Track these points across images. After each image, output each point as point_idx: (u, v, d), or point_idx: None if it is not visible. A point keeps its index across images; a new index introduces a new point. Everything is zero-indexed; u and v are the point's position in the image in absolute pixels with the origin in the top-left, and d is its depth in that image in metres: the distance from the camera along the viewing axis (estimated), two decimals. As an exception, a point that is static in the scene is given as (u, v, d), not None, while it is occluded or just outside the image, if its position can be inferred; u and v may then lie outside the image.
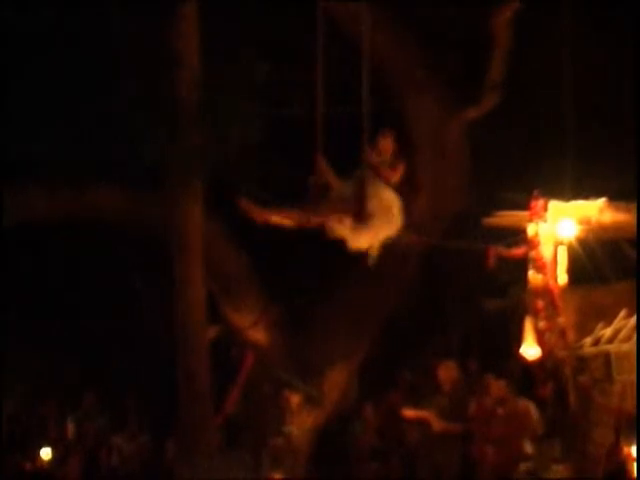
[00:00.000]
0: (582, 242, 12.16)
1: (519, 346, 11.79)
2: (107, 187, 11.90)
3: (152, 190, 11.63)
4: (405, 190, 12.66)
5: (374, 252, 8.65)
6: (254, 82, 10.87)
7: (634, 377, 10.86)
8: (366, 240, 8.63)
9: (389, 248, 12.16)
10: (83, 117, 10.75)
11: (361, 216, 8.45)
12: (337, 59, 10.34)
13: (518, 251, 11.91)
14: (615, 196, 11.92)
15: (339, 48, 10.98)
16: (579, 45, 12.85)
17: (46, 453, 13.42)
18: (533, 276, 11.80)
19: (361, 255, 12.04)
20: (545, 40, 13.01)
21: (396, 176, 8.90)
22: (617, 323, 11.59)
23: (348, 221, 8.52)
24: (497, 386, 11.56)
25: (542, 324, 11.59)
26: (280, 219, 8.53)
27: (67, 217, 12.06)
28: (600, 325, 11.70)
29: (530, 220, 11.89)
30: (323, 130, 8.91)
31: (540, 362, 11.52)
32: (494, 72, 12.75)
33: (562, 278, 11.88)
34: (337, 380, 13.17)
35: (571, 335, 11.66)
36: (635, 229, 11.45)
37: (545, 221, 11.85)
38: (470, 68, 12.90)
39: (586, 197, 11.97)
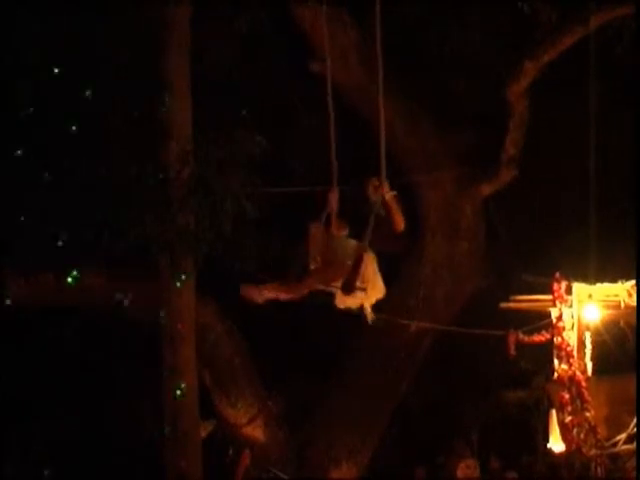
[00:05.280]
0: (610, 327, 11.66)
1: (543, 442, 11.41)
2: (92, 270, 11.19)
3: (140, 272, 10.92)
4: (416, 270, 12.33)
5: (369, 315, 8.46)
6: (250, 156, 10.25)
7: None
8: (354, 302, 8.42)
9: (400, 332, 11.77)
10: (66, 194, 10.09)
11: (349, 288, 8.28)
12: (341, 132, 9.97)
13: (541, 337, 11.46)
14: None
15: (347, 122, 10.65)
16: (601, 117, 12.27)
17: None
18: (558, 365, 11.30)
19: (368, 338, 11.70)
20: (565, 113, 12.55)
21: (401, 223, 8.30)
22: (655, 417, 10.96)
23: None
24: (520, 486, 10.98)
25: (569, 419, 11.12)
26: (276, 295, 8.43)
27: (48, 303, 11.43)
28: (635, 420, 11.00)
29: (553, 304, 11.39)
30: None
31: (568, 461, 10.83)
32: (510, 145, 12.48)
33: (589, 367, 11.38)
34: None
35: (602, 431, 11.08)
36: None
37: (570, 305, 11.36)
38: (485, 141, 12.54)
39: (613, 279, 11.37)
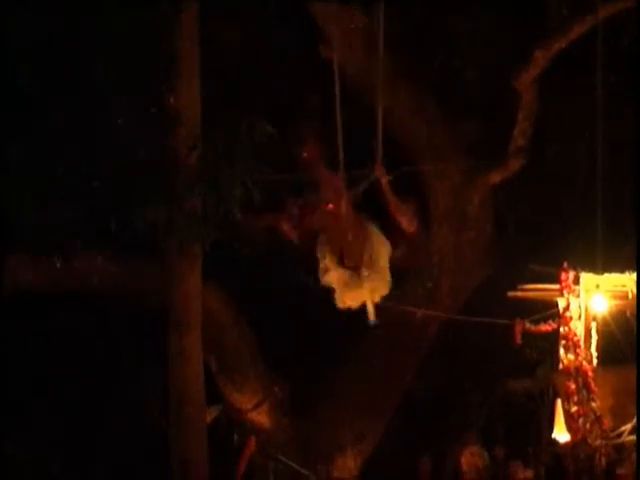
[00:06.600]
0: (617, 318, 11.61)
1: (548, 432, 11.32)
2: (97, 254, 11.15)
3: (146, 257, 10.88)
4: (423, 260, 12.28)
5: (371, 314, 7.99)
6: (257, 142, 10.19)
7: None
8: (355, 300, 8.04)
9: (405, 319, 11.75)
10: (72, 177, 9.99)
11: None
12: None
13: (547, 327, 11.48)
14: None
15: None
16: (610, 106, 12.21)
17: None
18: (564, 355, 11.22)
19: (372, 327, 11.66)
20: (573, 105, 12.50)
21: (413, 225, 8.24)
22: (661, 407, 10.81)
23: (343, 275, 7.98)
24: (524, 475, 11.24)
25: (575, 409, 11.08)
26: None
27: (54, 286, 11.39)
28: (641, 411, 10.97)
29: (560, 294, 11.37)
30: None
31: (573, 451, 10.80)
32: (518, 135, 12.39)
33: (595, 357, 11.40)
34: (349, 467, 12.46)
35: (607, 421, 11.07)
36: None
37: (577, 295, 11.34)
38: (493, 130, 12.46)
39: (621, 270, 11.34)
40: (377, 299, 8.25)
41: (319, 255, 8.18)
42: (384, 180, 8.22)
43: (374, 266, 8.11)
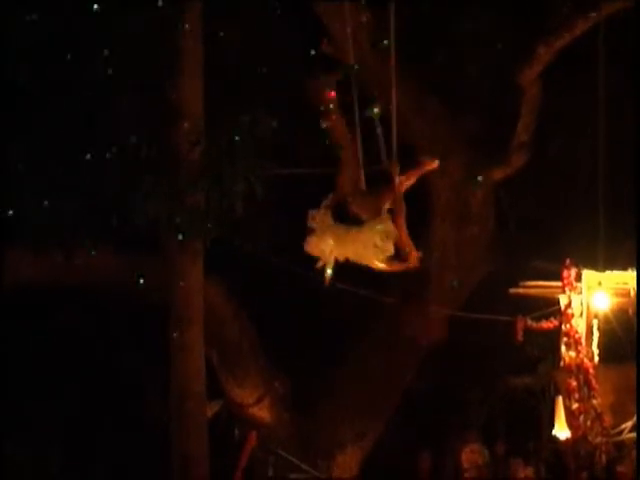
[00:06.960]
0: (618, 315, 11.63)
1: (549, 429, 11.32)
2: (99, 250, 11.13)
3: (148, 252, 10.89)
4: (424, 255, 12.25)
5: (328, 274, 8.16)
6: (261, 138, 10.19)
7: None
8: (315, 247, 8.16)
9: (406, 318, 11.74)
10: (73, 173, 10.01)
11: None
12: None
13: (549, 324, 11.51)
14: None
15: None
16: (612, 103, 12.22)
17: None
18: (565, 352, 11.26)
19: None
20: (577, 99, 12.44)
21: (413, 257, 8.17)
22: (662, 405, 10.86)
23: (328, 222, 7.97)
24: (525, 472, 11.19)
25: (575, 406, 11.14)
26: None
27: (54, 283, 11.36)
28: (641, 408, 11.01)
29: (562, 291, 11.44)
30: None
31: (573, 448, 10.83)
32: (522, 130, 12.37)
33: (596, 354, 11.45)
34: (349, 463, 12.45)
35: (608, 419, 11.12)
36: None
37: (579, 292, 11.39)
38: (496, 127, 12.42)
39: (623, 267, 11.39)
40: (342, 259, 8.09)
41: (324, 199, 8.17)
42: (397, 179, 8.19)
43: (378, 235, 7.95)
